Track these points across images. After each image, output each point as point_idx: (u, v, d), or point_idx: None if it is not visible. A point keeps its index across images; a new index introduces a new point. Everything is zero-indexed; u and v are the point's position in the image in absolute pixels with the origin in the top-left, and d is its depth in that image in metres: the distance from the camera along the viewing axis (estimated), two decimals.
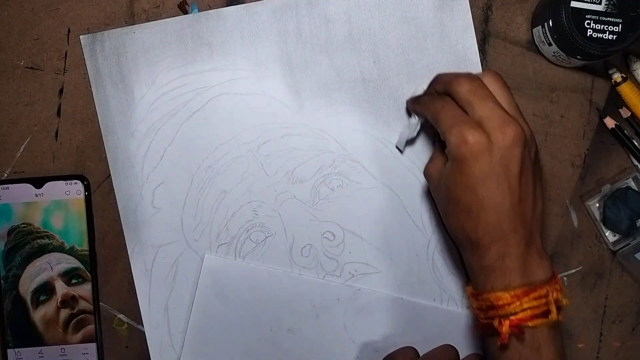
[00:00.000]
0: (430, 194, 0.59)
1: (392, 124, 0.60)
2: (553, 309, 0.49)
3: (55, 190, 0.59)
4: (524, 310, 0.48)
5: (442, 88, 0.53)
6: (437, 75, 0.55)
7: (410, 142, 0.59)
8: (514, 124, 0.49)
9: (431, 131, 0.59)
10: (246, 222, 0.60)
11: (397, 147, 0.59)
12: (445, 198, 0.52)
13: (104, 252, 0.60)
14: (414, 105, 0.57)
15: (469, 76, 0.51)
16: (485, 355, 0.54)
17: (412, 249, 0.60)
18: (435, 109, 0.52)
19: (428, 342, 0.59)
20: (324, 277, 0.60)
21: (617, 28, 0.55)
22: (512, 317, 0.49)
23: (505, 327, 0.49)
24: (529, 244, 0.50)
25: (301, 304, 0.60)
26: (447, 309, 0.60)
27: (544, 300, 0.49)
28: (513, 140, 0.49)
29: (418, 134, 0.59)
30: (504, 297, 0.49)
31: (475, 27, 0.60)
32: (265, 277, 0.59)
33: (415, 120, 0.57)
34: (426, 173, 0.55)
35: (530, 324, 0.49)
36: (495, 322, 0.49)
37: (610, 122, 0.60)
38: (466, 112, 0.50)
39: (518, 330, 0.49)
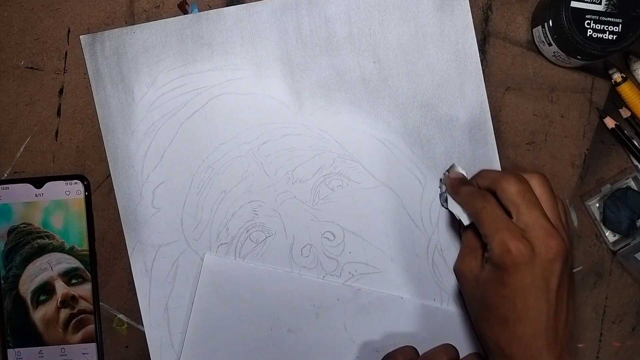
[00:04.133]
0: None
1: (392, 124, 0.60)
2: None
3: (55, 190, 0.59)
4: None
5: (488, 183, 0.52)
6: (482, 170, 0.54)
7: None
8: (559, 237, 0.49)
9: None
10: (246, 222, 0.60)
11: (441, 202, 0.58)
12: (479, 303, 0.52)
13: (104, 252, 0.60)
14: (453, 194, 0.55)
15: (518, 177, 0.51)
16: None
17: (412, 249, 0.60)
18: (477, 207, 0.51)
19: (428, 342, 0.59)
20: (324, 277, 0.60)
21: (617, 28, 0.55)
22: None
23: None
24: (562, 358, 0.50)
25: (301, 304, 0.60)
26: (447, 309, 0.60)
27: None
28: (556, 255, 0.49)
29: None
30: None
31: (475, 27, 0.60)
32: (265, 277, 0.59)
33: (452, 205, 0.56)
34: (458, 271, 0.55)
35: None
36: None
37: (610, 122, 0.60)
38: (509, 214, 0.50)
39: None
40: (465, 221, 0.54)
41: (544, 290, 0.49)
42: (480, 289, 0.52)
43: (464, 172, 0.57)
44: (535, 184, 0.52)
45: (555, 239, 0.49)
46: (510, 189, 0.50)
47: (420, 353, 0.58)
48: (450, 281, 0.60)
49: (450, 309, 0.60)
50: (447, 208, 0.57)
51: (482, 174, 0.54)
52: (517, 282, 0.49)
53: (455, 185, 0.55)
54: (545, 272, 0.49)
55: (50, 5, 0.60)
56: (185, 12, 0.60)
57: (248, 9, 0.59)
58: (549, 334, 0.49)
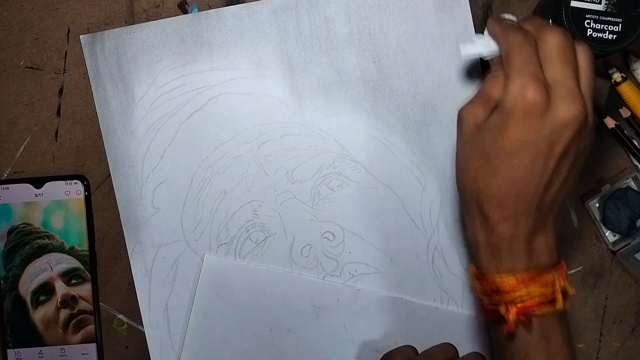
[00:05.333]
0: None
1: (392, 124, 0.60)
2: (559, 297, 0.47)
3: (55, 190, 0.59)
4: (531, 297, 0.46)
5: (533, 29, 0.48)
6: (534, 16, 0.50)
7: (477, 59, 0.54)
8: (581, 104, 0.45)
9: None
10: (246, 222, 0.60)
11: (460, 47, 0.52)
12: (473, 150, 0.48)
13: (104, 252, 0.60)
14: (494, 24, 0.50)
15: (566, 34, 0.47)
16: (491, 344, 0.52)
17: (412, 249, 0.60)
18: (513, 43, 0.47)
19: (428, 342, 0.59)
20: (324, 277, 0.60)
21: (617, 28, 0.55)
22: (519, 304, 0.46)
23: (512, 315, 0.46)
24: (540, 228, 0.47)
25: (301, 304, 0.60)
26: (447, 309, 0.60)
27: (550, 289, 0.47)
28: (570, 120, 0.45)
29: (486, 61, 0.53)
30: (510, 281, 0.46)
31: (475, 27, 0.60)
32: (265, 277, 0.59)
33: (490, 47, 0.51)
34: (462, 115, 0.49)
35: (537, 311, 0.47)
36: (502, 309, 0.47)
37: (610, 122, 0.60)
38: (541, 66, 0.46)
39: (526, 318, 0.47)
40: (487, 52, 0.50)
41: (544, 155, 0.46)
42: (480, 137, 0.47)
43: (514, 19, 0.51)
44: (580, 50, 0.47)
45: (576, 104, 0.45)
46: (554, 41, 0.46)
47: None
48: (451, 281, 0.60)
49: (450, 309, 0.60)
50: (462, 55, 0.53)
51: (531, 18, 0.49)
52: (521, 135, 0.45)
53: (499, 18, 0.50)
54: (553, 135, 0.45)
55: (50, 5, 0.60)
56: (185, 12, 0.60)
57: (248, 9, 0.59)
58: (533, 200, 0.46)
